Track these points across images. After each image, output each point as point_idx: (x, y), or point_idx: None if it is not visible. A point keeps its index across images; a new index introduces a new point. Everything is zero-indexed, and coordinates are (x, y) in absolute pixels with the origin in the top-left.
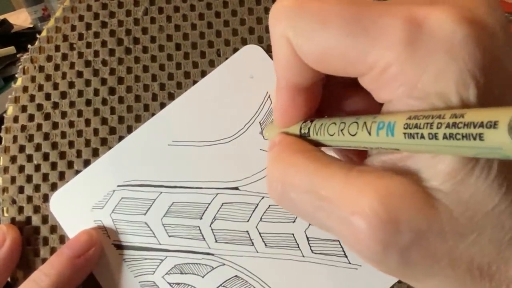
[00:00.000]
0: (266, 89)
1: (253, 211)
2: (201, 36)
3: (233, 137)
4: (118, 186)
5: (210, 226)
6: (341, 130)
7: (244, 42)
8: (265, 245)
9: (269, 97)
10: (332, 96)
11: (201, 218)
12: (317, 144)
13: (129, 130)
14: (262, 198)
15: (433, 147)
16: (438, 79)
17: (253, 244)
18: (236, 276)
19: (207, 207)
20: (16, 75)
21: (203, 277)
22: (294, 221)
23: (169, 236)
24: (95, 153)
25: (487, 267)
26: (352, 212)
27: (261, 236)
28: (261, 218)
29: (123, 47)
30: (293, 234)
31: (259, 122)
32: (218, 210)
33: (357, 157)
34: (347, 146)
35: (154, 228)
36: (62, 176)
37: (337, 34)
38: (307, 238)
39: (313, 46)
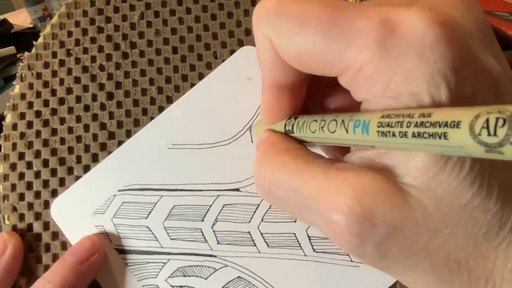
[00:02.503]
0: None
1: (254, 212)
2: (198, 39)
3: (232, 138)
4: (119, 190)
5: (212, 228)
6: (322, 127)
7: (241, 44)
8: (267, 245)
9: None
10: (317, 93)
11: (202, 220)
12: (302, 141)
13: (128, 134)
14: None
15: (404, 145)
16: (410, 79)
17: (255, 245)
18: (239, 277)
19: (209, 209)
20: (14, 82)
21: (206, 279)
22: (295, 221)
23: (171, 239)
24: (95, 159)
25: (465, 261)
26: (330, 209)
27: (263, 237)
28: (262, 219)
29: (120, 51)
30: (294, 234)
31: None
32: (220, 212)
33: (340, 153)
34: (328, 143)
35: (156, 231)
36: (62, 182)
37: (315, 36)
38: (309, 237)
39: (293, 47)
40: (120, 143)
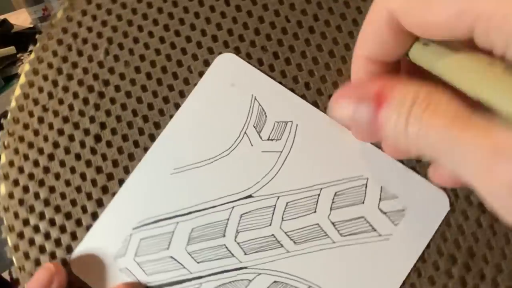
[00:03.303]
0: (250, 92)
1: (273, 213)
2: (168, 58)
3: (232, 148)
4: (134, 229)
5: (235, 240)
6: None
7: (211, 51)
8: (294, 242)
9: (255, 99)
10: None
11: (224, 236)
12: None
13: (127, 171)
14: (278, 198)
15: None
16: None
17: (282, 246)
18: (275, 281)
19: (227, 223)
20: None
21: None
22: (315, 211)
23: (198, 262)
24: (100, 204)
25: None
26: None
27: (287, 236)
28: (282, 218)
29: (96, 92)
30: (318, 224)
31: (253, 126)
32: (239, 223)
33: None
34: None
35: (181, 259)
36: (74, 237)
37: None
38: (332, 223)
39: (423, 10)
40: (121, 181)
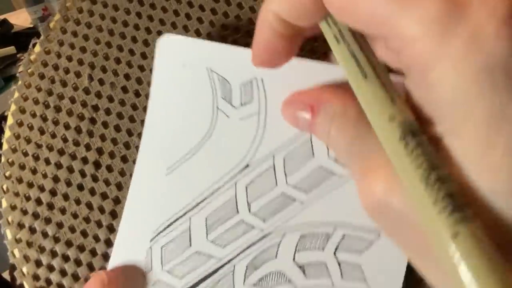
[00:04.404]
0: (204, 66)
1: (275, 172)
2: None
3: (211, 127)
4: (151, 240)
5: (250, 212)
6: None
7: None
8: (305, 192)
9: (211, 70)
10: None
11: (238, 212)
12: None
13: None
14: (274, 156)
15: None
16: (458, 70)
17: (295, 199)
18: (301, 236)
19: (236, 199)
20: None
21: (276, 256)
22: (313, 155)
23: (223, 247)
24: (111, 230)
25: None
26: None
27: (296, 189)
28: (285, 173)
29: (87, 119)
30: (321, 166)
31: (222, 98)
32: (247, 194)
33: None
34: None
35: (207, 250)
36: (91, 268)
37: None
38: (335, 160)
39: None
40: None
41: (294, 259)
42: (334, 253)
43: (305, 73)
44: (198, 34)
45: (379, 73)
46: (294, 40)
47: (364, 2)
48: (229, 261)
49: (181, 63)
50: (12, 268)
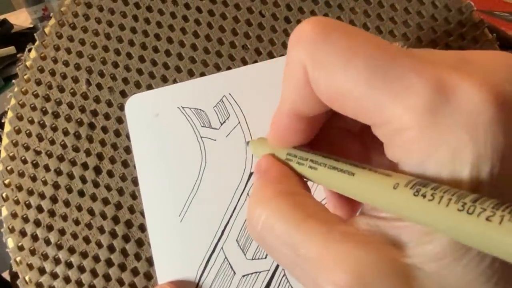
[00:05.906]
0: (175, 106)
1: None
2: (151, 76)
3: (203, 158)
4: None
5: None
6: (333, 167)
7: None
8: None
9: (182, 107)
10: (332, 133)
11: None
12: (304, 180)
13: (134, 197)
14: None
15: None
16: (454, 157)
17: None
18: None
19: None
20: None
21: None
22: None
23: (266, 257)
24: (114, 235)
25: None
26: (327, 281)
27: None
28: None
29: (85, 125)
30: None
31: (202, 127)
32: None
33: (346, 209)
34: (331, 187)
35: (251, 269)
36: (95, 274)
37: (358, 79)
38: None
39: (330, 83)
40: (130, 208)
41: None
42: None
43: (262, 73)
44: (196, 36)
45: (363, 165)
46: (312, 124)
47: (351, 93)
48: (277, 267)
49: (153, 114)
50: (14, 276)
